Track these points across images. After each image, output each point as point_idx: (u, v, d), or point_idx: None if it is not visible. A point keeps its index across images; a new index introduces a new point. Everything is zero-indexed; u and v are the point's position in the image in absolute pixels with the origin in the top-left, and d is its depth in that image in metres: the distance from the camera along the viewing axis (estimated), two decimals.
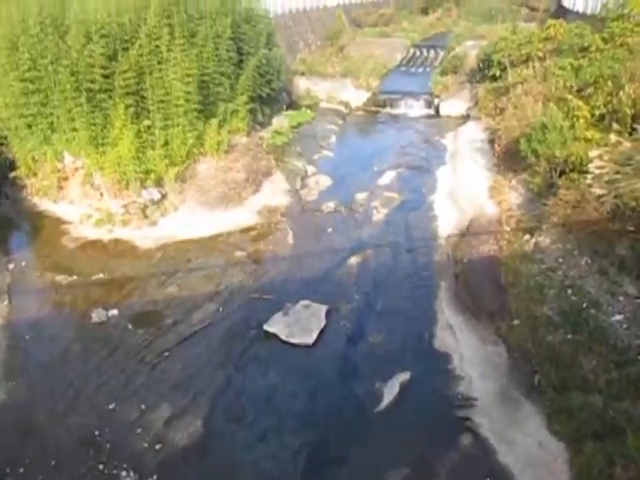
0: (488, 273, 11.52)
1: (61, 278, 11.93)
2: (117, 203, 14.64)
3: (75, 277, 11.99)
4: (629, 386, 7.67)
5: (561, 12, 38.68)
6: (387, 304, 11.30)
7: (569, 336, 8.89)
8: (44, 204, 15.21)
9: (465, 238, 13.39)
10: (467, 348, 9.63)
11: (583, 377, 8.04)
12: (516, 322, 9.72)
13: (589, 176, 11.30)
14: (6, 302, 11.05)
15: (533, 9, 59.51)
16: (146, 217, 14.36)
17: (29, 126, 15.07)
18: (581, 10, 33.85)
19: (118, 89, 14.39)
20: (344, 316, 10.81)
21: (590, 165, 11.46)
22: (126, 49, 14.88)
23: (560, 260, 10.65)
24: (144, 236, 13.76)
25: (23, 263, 12.58)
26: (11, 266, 12.38)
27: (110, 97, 14.53)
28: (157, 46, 15.16)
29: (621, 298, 9.30)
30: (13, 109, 14.95)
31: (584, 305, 9.37)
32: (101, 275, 12.09)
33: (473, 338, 9.86)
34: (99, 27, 14.46)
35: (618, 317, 8.94)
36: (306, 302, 10.93)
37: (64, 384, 8.93)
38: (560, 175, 12.74)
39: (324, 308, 10.77)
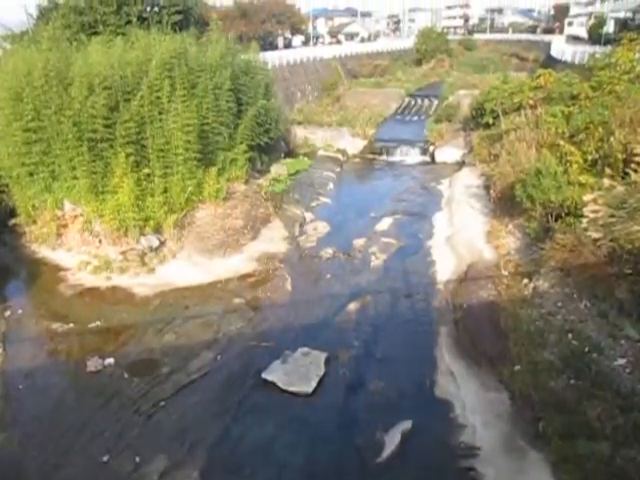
0: (488, 318, 11.44)
1: (57, 326, 11.83)
2: (115, 250, 14.68)
3: (71, 325, 11.89)
4: (636, 432, 7.50)
5: (550, 62, 39.99)
6: (387, 350, 11.15)
7: (572, 381, 8.76)
8: (43, 251, 15.26)
9: (464, 283, 13.36)
10: (469, 395, 9.46)
11: (588, 424, 7.87)
12: (517, 368, 9.59)
13: (584, 220, 11.37)
14: (1, 350, 10.93)
15: (523, 59, 61.62)
16: (144, 264, 14.36)
17: (31, 174, 15.29)
18: (569, 60, 35.04)
19: (119, 138, 14.66)
20: (344, 363, 10.66)
21: (585, 209, 11.56)
22: (128, 100, 15.25)
23: (559, 304, 10.61)
24: (142, 283, 13.72)
25: (20, 310, 12.51)
26: (7, 313, 12.31)
27: (111, 146, 14.80)
28: (158, 97, 15.55)
29: (622, 342, 9.21)
30: (16, 158, 15.20)
31: (586, 349, 9.27)
32: (98, 323, 11.98)
33: (475, 384, 9.70)
34: (102, 79, 14.85)
35: (621, 361, 8.83)
36: (305, 349, 10.80)
37: (57, 436, 8.71)
38: (556, 219, 12.85)
39: (323, 355, 10.63)
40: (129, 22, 27.15)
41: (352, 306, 12.88)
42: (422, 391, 9.85)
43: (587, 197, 11.85)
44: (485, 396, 9.36)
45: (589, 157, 13.79)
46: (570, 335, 9.75)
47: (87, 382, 10.11)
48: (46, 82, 14.66)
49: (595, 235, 10.81)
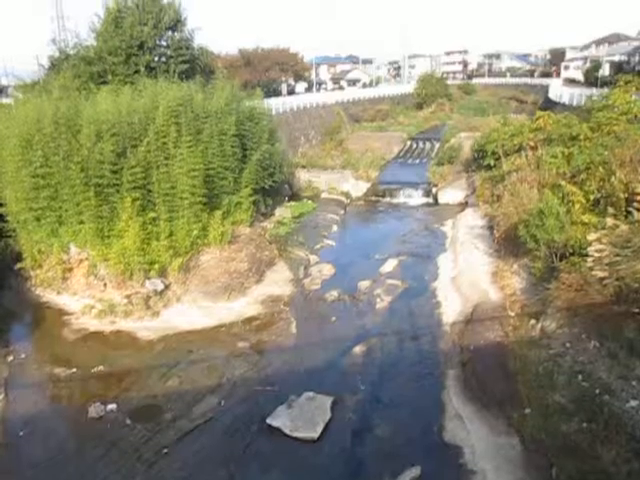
0: (495, 360, 11.27)
1: (60, 371, 11.73)
2: (120, 294, 14.68)
3: (74, 370, 11.78)
4: None
5: (548, 104, 40.77)
6: (394, 394, 10.96)
7: (584, 425, 8.54)
8: (47, 295, 15.28)
9: (470, 325, 13.23)
10: (479, 440, 9.22)
11: (603, 469, 7.63)
12: (528, 411, 9.38)
13: (589, 259, 11.34)
14: (2, 396, 10.82)
15: (521, 102, 62.85)
16: (149, 308, 14.33)
17: (38, 219, 15.48)
18: (567, 102, 35.71)
19: (126, 183, 14.89)
20: (350, 408, 10.46)
21: (589, 248, 11.54)
22: (135, 146, 15.56)
23: (568, 345, 10.46)
24: (146, 327, 13.66)
25: (22, 355, 12.44)
26: (10, 358, 12.24)
27: (118, 191, 15.01)
28: (164, 143, 15.87)
29: (634, 383, 9.02)
30: (24, 203, 15.41)
31: (597, 391, 9.08)
32: (101, 367, 11.87)
33: (484, 429, 9.47)
34: (110, 126, 15.20)
35: (633, 403, 8.63)
36: (310, 394, 10.62)
37: None
38: (560, 259, 12.81)
39: (329, 400, 10.44)
40: (137, 71, 27.96)
41: (358, 349, 12.74)
42: (430, 436, 9.61)
43: (591, 236, 11.84)
44: (495, 441, 9.12)
45: (591, 197, 13.88)
46: (580, 376, 9.58)
47: (88, 429, 9.94)
48: (55, 129, 15.01)
49: (601, 274, 10.75)
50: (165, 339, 13.14)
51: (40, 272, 15.68)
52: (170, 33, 31.11)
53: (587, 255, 11.58)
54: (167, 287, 15.14)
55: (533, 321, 11.90)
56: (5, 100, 28.36)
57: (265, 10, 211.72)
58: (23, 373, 11.79)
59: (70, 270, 15.54)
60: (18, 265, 15.89)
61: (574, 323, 10.83)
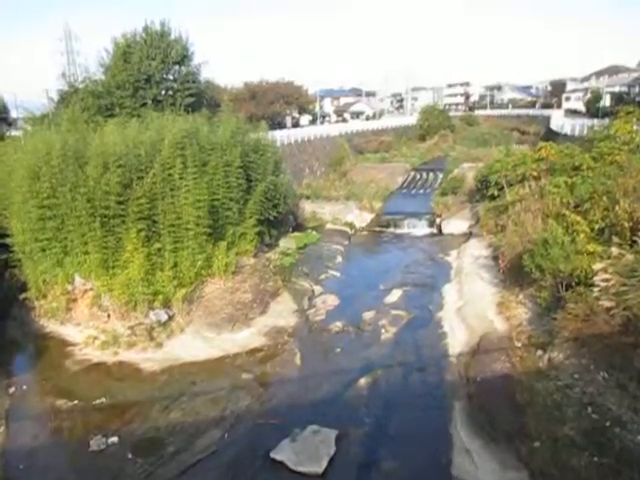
0: (503, 392, 11.10)
1: (61, 403, 11.61)
2: (124, 325, 14.63)
3: (76, 402, 11.66)
4: None
5: (550, 135, 41.14)
6: (400, 427, 10.77)
7: (595, 459, 8.35)
8: (51, 326, 15.23)
9: (476, 356, 13.08)
10: (487, 474, 9.01)
11: None
12: (537, 444, 9.19)
13: (596, 289, 11.26)
14: (3, 428, 10.70)
15: (524, 133, 63.41)
16: (152, 339, 14.25)
17: (43, 249, 15.55)
18: (569, 133, 36.04)
19: (131, 214, 14.99)
20: (355, 441, 10.27)
21: (595, 278, 11.47)
22: (141, 177, 15.72)
23: (576, 376, 10.31)
24: (149, 358, 13.56)
25: (24, 387, 12.34)
26: (12, 390, 12.14)
27: (123, 222, 15.11)
28: (170, 174, 16.04)
29: None
30: (29, 233, 15.53)
31: (607, 424, 8.90)
32: (103, 399, 11.74)
33: (493, 463, 9.26)
34: (117, 158, 15.39)
35: None
36: (315, 427, 10.44)
37: None
38: (566, 289, 12.73)
39: (334, 433, 10.26)
40: (144, 104, 28.52)
41: (363, 381, 12.57)
42: (437, 471, 9.40)
43: (597, 266, 11.79)
44: (504, 475, 8.91)
45: (595, 226, 13.86)
46: (590, 408, 9.41)
47: (89, 462, 9.77)
48: (63, 161, 15.21)
49: (607, 304, 10.66)
50: (168, 370, 13.02)
51: (44, 302, 15.68)
52: (177, 67, 31.85)
53: (593, 285, 11.51)
54: (171, 318, 15.08)
55: (540, 352, 11.76)
56: (14, 133, 28.87)
57: (270, 44, 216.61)
58: (24, 405, 11.67)
59: (74, 301, 15.53)
60: (23, 295, 15.90)
61: (582, 354, 10.70)
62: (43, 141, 15.92)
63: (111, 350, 13.88)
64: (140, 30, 30.84)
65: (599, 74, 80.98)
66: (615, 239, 12.73)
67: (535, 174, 21.78)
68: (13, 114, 42.46)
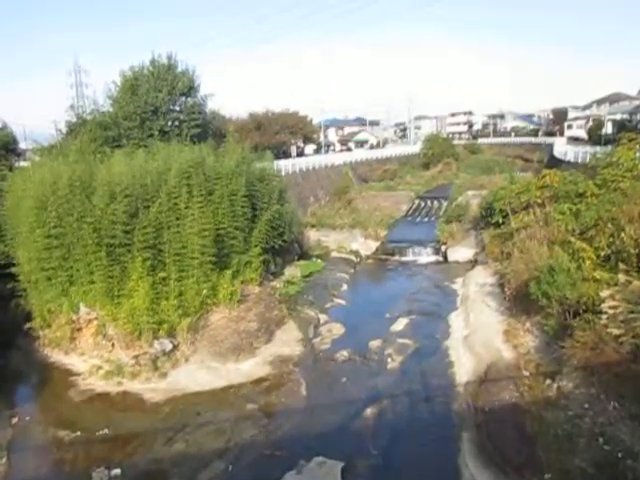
0: (512, 422, 10.90)
1: (64, 434, 11.49)
2: (128, 354, 14.55)
3: (79, 432, 11.54)
4: None
5: (554, 162, 41.31)
6: (407, 459, 10.57)
7: None
8: (55, 355, 15.18)
9: (484, 385, 12.89)
10: None
11: None
12: (547, 476, 8.98)
13: (604, 316, 11.15)
14: (4, 460, 10.59)
15: (527, 160, 63.79)
16: (156, 369, 14.14)
17: (49, 279, 15.60)
18: (572, 160, 36.20)
19: (137, 243, 15.05)
20: (361, 473, 10.09)
21: (603, 305, 11.37)
22: (147, 207, 15.84)
23: (586, 406, 10.12)
24: (153, 389, 13.44)
25: (27, 417, 12.25)
26: (14, 420, 12.05)
27: (129, 251, 15.16)
28: (176, 204, 16.16)
29: None
30: (36, 263, 15.60)
31: (619, 455, 8.70)
32: (106, 430, 11.61)
33: None
34: (123, 188, 15.53)
35: None
36: (320, 459, 10.26)
37: None
38: (574, 316, 12.60)
39: (340, 465, 10.08)
40: (151, 135, 28.93)
41: (369, 411, 12.39)
42: None
43: (604, 293, 11.69)
44: None
45: (601, 253, 13.78)
46: (601, 439, 9.21)
47: None
48: (70, 191, 15.37)
49: (616, 332, 10.54)
50: (172, 401, 12.89)
51: (49, 332, 15.65)
52: (183, 99, 32.38)
53: (601, 312, 11.40)
54: (175, 347, 14.99)
55: (549, 381, 11.59)
56: (23, 163, 29.27)
57: (275, 75, 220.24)
58: (27, 436, 11.56)
59: (79, 330, 15.50)
60: (28, 325, 15.90)
61: (591, 383, 10.53)
62: (51, 171, 16.13)
63: (115, 380, 13.78)
64: (147, 63, 31.51)
65: (600, 102, 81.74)
66: (622, 266, 12.65)
67: (539, 201, 21.79)
68: (22, 145, 43.13)
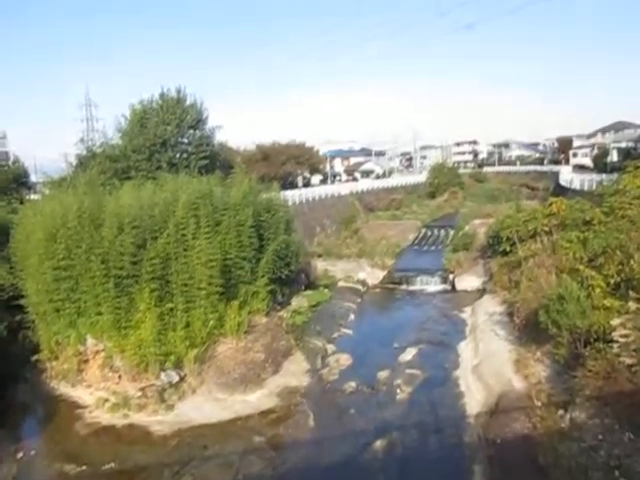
0: (524, 454, 10.68)
1: (70, 468, 11.35)
2: (135, 386, 14.46)
3: (84, 467, 11.40)
4: None
5: (560, 190, 41.38)
6: None
7: None
8: (62, 388, 15.10)
9: (495, 416, 12.67)
10: None
11: None
12: None
13: (615, 345, 11.01)
14: None
15: (533, 189, 63.94)
16: (163, 401, 14.02)
17: (57, 310, 15.64)
18: (578, 188, 36.27)
19: (145, 274, 15.09)
20: None
21: (614, 334, 11.24)
22: (155, 238, 15.91)
23: (600, 437, 9.90)
24: (160, 421, 13.31)
25: (32, 451, 12.12)
26: (19, 454, 11.91)
27: (136, 282, 15.19)
28: (183, 235, 16.23)
29: None
30: (44, 294, 15.66)
31: None
32: (112, 464, 11.47)
33: None
34: (131, 219, 15.66)
35: None
36: None
37: None
38: (585, 345, 12.43)
39: None
40: (159, 167, 29.35)
41: (378, 443, 12.18)
42: None
43: (615, 321, 11.58)
44: None
45: (611, 281, 13.67)
46: (617, 472, 8.97)
47: None
48: (79, 223, 15.51)
49: (629, 361, 10.40)
50: (179, 434, 12.73)
51: (56, 364, 15.61)
52: (192, 131, 32.96)
53: (612, 341, 11.27)
54: (182, 379, 14.88)
55: (561, 411, 11.37)
56: (34, 196, 29.67)
57: (282, 106, 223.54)
58: (32, 471, 11.44)
59: (86, 362, 15.44)
60: (35, 357, 15.87)
61: (605, 413, 10.32)
62: (60, 204, 16.32)
63: (121, 413, 13.66)
64: (157, 96, 32.18)
65: (605, 130, 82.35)
66: (632, 294, 12.55)
67: (547, 229, 21.74)
68: (33, 178, 43.78)
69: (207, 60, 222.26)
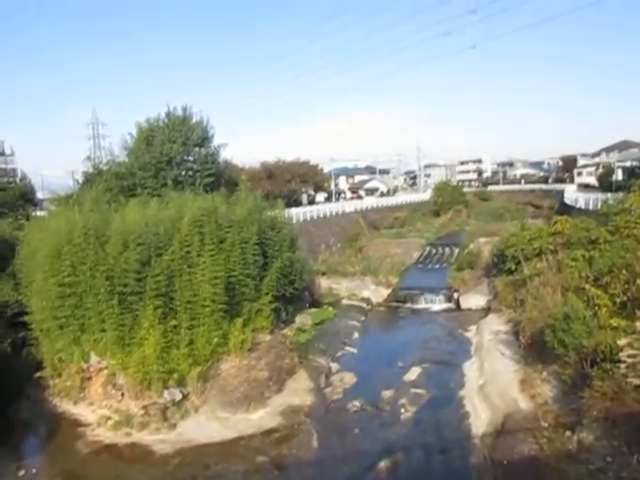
0: (531, 476, 10.51)
1: None
2: (137, 404, 14.38)
3: None
4: None
5: (564, 209, 41.31)
6: None
7: None
8: (64, 405, 15.03)
9: (501, 437, 12.49)
10: None
11: None
12: None
13: (622, 365, 10.90)
14: None
15: (538, 207, 63.84)
16: (166, 419, 13.92)
17: (61, 327, 15.64)
18: (583, 206, 36.21)
19: (149, 291, 15.10)
20: None
21: (621, 354, 11.14)
22: (159, 255, 15.95)
23: (609, 459, 9.74)
24: (162, 440, 13.19)
25: (34, 470, 12.01)
26: (21, 473, 11.83)
27: (140, 299, 15.18)
28: (188, 252, 16.27)
29: None
30: (48, 311, 15.66)
31: None
32: None
33: None
34: (136, 236, 15.71)
35: None
36: None
37: None
38: (592, 365, 12.29)
39: None
40: (165, 184, 29.56)
41: (382, 464, 12.00)
42: None
43: (622, 341, 11.48)
44: None
45: (617, 300, 13.60)
46: None
47: None
48: (85, 240, 15.55)
49: (636, 382, 10.29)
50: (181, 453, 12.61)
51: (59, 381, 15.56)
52: (197, 149, 33.23)
53: (619, 361, 11.15)
54: (185, 397, 14.79)
55: (568, 433, 11.21)
56: (40, 213, 29.87)
57: (287, 125, 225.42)
58: None
59: (89, 379, 15.39)
60: (38, 374, 15.82)
61: (613, 435, 10.18)
62: (66, 221, 16.39)
63: (123, 431, 13.55)
64: (163, 115, 32.52)
65: (609, 149, 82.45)
66: (639, 313, 12.47)
67: (552, 248, 21.68)
68: (39, 195, 44.14)
69: (211, 78, 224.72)
